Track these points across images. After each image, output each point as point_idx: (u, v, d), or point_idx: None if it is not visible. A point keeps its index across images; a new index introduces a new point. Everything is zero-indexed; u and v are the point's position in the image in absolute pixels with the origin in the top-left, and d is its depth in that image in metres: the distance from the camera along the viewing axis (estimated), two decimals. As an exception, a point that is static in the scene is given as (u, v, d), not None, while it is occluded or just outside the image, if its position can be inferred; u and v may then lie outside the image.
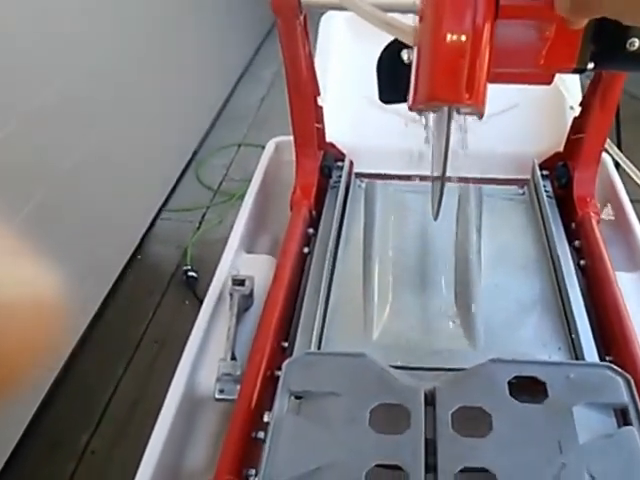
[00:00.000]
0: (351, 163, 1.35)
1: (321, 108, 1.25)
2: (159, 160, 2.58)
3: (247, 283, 1.06)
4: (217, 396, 0.92)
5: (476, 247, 1.19)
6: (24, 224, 1.66)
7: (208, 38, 3.03)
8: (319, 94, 1.22)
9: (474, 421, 0.85)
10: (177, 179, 2.78)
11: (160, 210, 2.62)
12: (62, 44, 1.84)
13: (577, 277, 1.13)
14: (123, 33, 2.18)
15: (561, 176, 1.27)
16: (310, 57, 1.16)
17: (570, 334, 1.04)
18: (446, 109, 0.69)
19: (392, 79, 0.95)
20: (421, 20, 0.67)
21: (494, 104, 1.31)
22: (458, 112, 0.70)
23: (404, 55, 0.83)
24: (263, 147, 2.84)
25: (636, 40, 0.72)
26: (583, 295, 1.09)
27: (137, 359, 2.05)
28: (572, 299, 1.07)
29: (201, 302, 2.08)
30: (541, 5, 0.66)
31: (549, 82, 0.80)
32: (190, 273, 2.30)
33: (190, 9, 2.82)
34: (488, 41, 0.65)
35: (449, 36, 0.63)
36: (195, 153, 2.94)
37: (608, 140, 1.18)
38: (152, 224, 2.55)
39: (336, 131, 1.34)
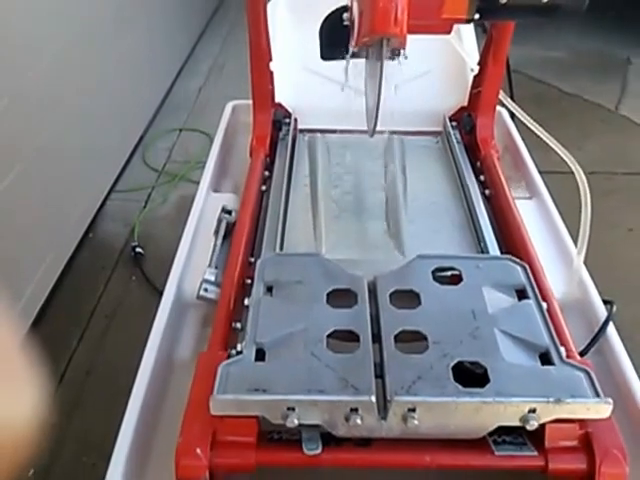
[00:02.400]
0: (296, 120, 1.49)
1: (272, 72, 1.38)
2: (109, 146, 2.61)
3: (234, 214, 1.19)
4: (201, 294, 1.04)
5: (402, 183, 1.34)
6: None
7: (151, 35, 3.09)
8: (271, 60, 1.36)
9: (407, 300, 0.99)
10: (125, 162, 2.82)
11: (110, 191, 2.65)
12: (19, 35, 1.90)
13: (484, 203, 1.29)
14: (71, 23, 2.20)
15: (466, 124, 1.44)
16: (267, 30, 1.30)
17: (479, 244, 1.20)
18: (380, 41, 0.85)
19: (332, 40, 1.11)
20: None
21: (409, 71, 1.49)
22: (388, 45, 0.86)
23: (345, 17, 1.01)
24: (202, 131, 2.94)
25: None
26: (489, 218, 1.26)
27: (89, 332, 2.05)
28: (480, 219, 1.23)
29: (147, 278, 2.19)
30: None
31: (449, 32, 0.95)
32: (137, 249, 2.32)
33: (137, 7, 2.91)
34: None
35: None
36: (142, 138, 2.99)
37: (502, 92, 1.36)
38: (102, 204, 2.57)
39: (283, 94, 1.47)
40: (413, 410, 0.82)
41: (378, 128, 1.45)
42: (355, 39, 0.89)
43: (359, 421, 0.82)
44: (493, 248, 1.16)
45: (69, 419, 1.77)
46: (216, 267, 1.08)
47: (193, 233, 1.18)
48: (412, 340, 0.93)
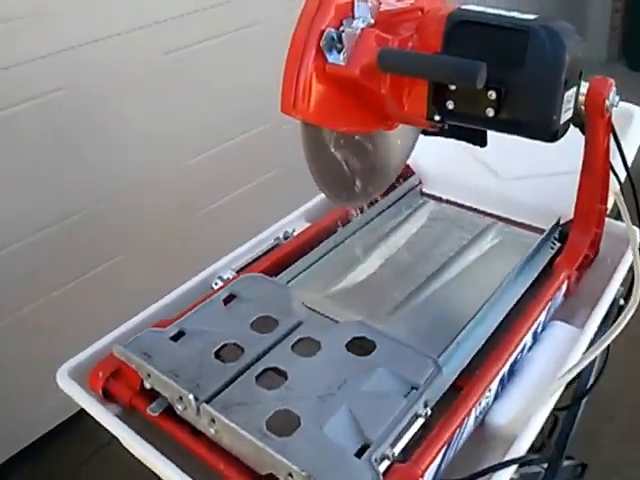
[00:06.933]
0: (420, 182, 1.56)
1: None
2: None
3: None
4: (212, 285, 1.31)
5: (461, 266, 1.33)
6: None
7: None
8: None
9: (310, 347, 1.09)
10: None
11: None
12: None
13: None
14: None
15: (562, 234, 1.32)
16: None
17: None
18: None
19: None
20: None
21: (545, 167, 1.45)
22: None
23: None
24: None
25: (451, 102, 0.94)
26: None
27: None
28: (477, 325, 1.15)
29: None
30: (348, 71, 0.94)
31: (427, 126, 1.00)
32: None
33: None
34: (309, 84, 0.95)
35: (287, 79, 0.96)
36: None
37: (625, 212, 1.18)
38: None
39: (419, 159, 1.52)
40: (213, 421, 0.99)
41: (487, 209, 1.45)
42: None
43: (180, 407, 1.02)
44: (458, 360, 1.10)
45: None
46: (238, 272, 1.33)
47: (255, 244, 1.42)
48: (279, 376, 1.05)
